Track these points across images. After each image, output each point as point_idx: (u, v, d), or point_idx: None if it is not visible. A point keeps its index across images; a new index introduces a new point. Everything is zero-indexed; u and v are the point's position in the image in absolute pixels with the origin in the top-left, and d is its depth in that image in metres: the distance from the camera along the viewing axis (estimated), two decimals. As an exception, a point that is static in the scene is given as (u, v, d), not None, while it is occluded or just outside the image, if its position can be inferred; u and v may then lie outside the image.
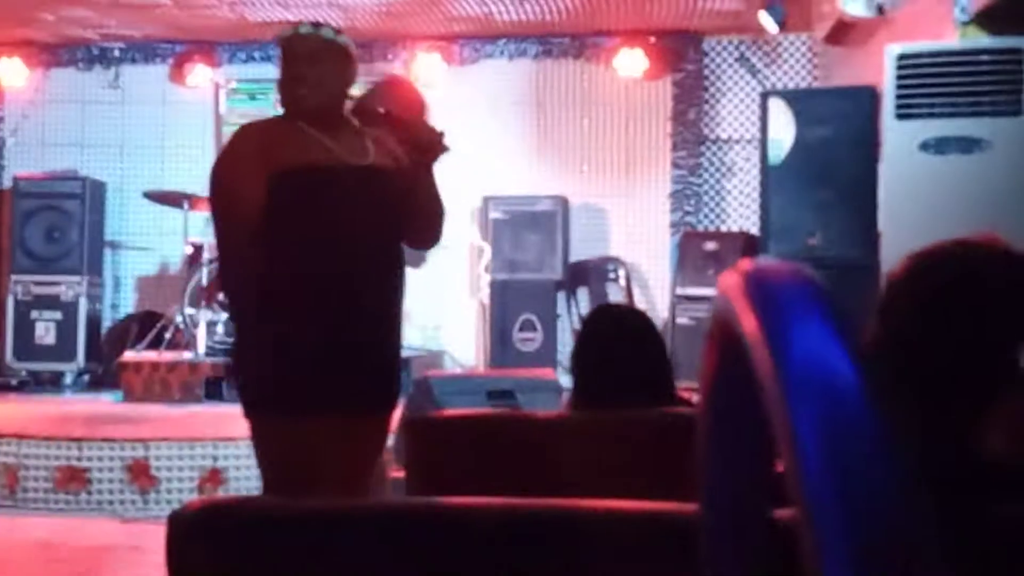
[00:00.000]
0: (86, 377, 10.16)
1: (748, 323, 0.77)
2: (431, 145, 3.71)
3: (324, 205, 3.58)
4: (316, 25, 3.76)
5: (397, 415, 4.02)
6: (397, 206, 3.70)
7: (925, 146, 5.53)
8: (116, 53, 11.13)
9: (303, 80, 3.66)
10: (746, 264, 0.82)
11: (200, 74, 10.85)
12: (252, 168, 3.53)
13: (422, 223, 3.84)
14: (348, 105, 3.92)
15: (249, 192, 3.52)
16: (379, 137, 3.80)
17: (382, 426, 3.85)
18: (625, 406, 3.01)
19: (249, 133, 3.70)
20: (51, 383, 9.98)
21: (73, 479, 6.84)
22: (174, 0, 9.50)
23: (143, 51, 11.10)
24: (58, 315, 9.99)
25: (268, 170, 3.52)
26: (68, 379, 10.01)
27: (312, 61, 3.67)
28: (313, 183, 3.57)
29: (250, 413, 3.62)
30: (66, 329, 9.97)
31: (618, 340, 3.24)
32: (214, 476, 6.77)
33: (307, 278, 3.56)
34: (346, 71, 3.78)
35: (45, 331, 9.98)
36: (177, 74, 10.99)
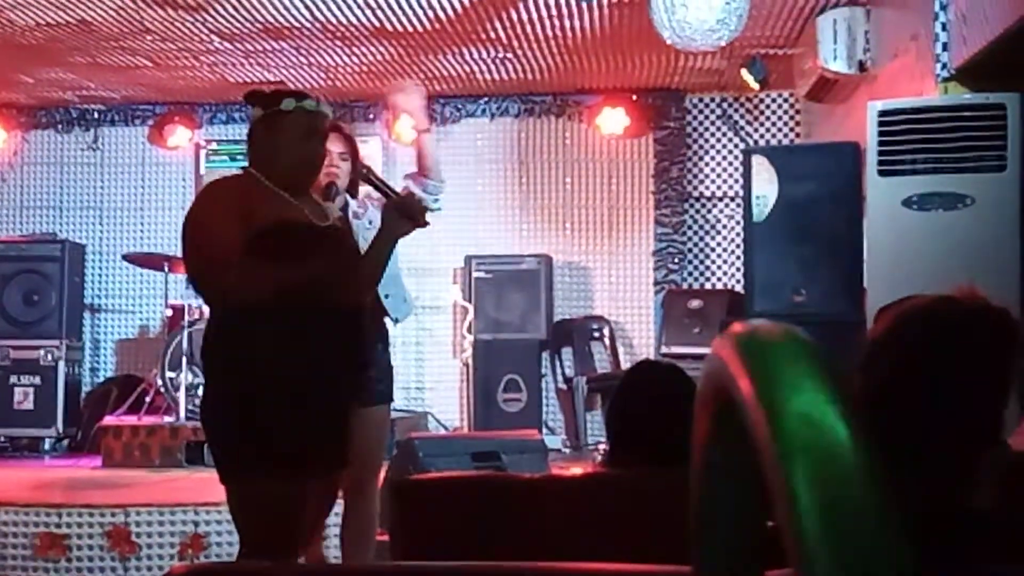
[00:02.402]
0: (65, 442, 10.07)
1: (743, 385, 0.77)
2: (407, 221, 3.96)
3: (302, 259, 3.65)
4: (300, 97, 3.87)
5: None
6: (353, 265, 3.88)
7: (908, 202, 5.53)
8: (95, 115, 11.14)
9: (276, 147, 3.80)
10: (739, 326, 0.83)
11: (180, 135, 10.85)
12: (231, 210, 3.62)
13: (365, 281, 4.01)
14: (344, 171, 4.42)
15: (228, 230, 3.59)
16: (327, 208, 3.99)
17: (332, 486, 3.98)
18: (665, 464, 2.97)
19: (226, 182, 3.87)
20: (30, 448, 9.89)
21: (53, 546, 6.75)
22: (154, 61, 9.50)
23: (122, 112, 11.11)
24: (37, 380, 9.91)
25: (246, 219, 3.60)
26: (47, 444, 9.92)
27: (280, 131, 3.81)
28: (292, 238, 3.66)
29: (223, 476, 3.69)
30: (45, 394, 9.88)
31: (660, 399, 3.19)
32: (196, 541, 6.69)
33: (280, 336, 3.62)
34: (311, 141, 3.87)
35: (24, 396, 9.89)
36: (157, 135, 10.98)
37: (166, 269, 9.53)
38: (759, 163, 7.09)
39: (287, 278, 3.60)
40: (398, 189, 4.64)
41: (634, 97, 10.47)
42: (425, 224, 4.03)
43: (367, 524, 4.96)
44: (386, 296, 4.81)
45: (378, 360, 4.85)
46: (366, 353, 3.93)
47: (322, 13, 8.23)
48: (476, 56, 9.38)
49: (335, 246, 3.78)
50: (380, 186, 4.32)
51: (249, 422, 3.59)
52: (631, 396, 3.29)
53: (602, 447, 8.78)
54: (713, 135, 10.64)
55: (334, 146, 4.57)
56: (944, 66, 5.84)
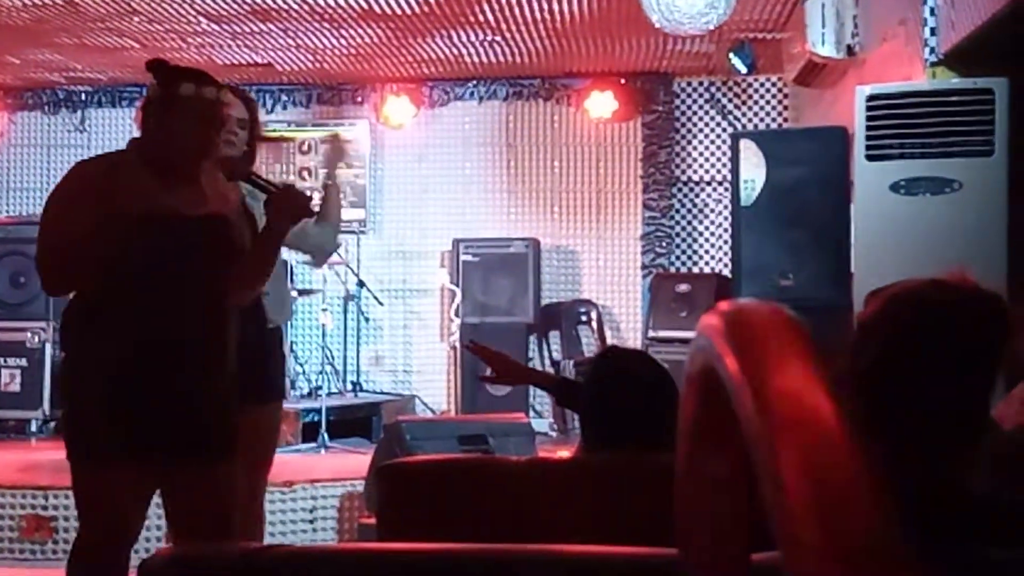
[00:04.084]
0: (52, 425, 10.03)
1: (729, 363, 0.77)
2: (289, 212, 3.83)
3: (148, 253, 3.62)
4: (201, 82, 3.80)
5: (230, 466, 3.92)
6: (224, 255, 3.77)
7: (896, 187, 5.52)
8: (82, 96, 11.11)
9: (167, 130, 3.73)
10: (725, 304, 0.83)
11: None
12: (83, 199, 3.61)
13: (243, 276, 3.89)
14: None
15: (68, 219, 3.63)
16: (221, 187, 3.89)
17: (210, 478, 3.79)
18: (636, 449, 2.97)
19: (90, 166, 3.81)
20: (16, 431, 9.85)
21: (39, 528, 6.75)
22: (141, 43, 9.47)
23: (109, 94, 11.08)
24: (23, 362, 9.87)
25: (103, 206, 3.57)
26: (33, 427, 9.88)
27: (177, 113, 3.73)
28: (145, 232, 3.61)
29: (68, 454, 3.73)
30: (31, 376, 9.85)
31: (627, 383, 3.19)
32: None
33: (128, 324, 3.62)
34: (206, 129, 3.78)
35: (10, 378, 9.86)
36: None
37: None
38: (747, 147, 7.09)
39: (115, 271, 3.59)
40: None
41: (622, 81, 10.46)
42: (311, 215, 3.97)
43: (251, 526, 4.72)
44: (265, 294, 4.45)
45: (262, 357, 4.57)
46: (225, 348, 3.81)
47: (310, -5, 8.21)
48: (464, 39, 9.36)
49: (199, 237, 3.70)
50: (258, 182, 4.06)
51: (84, 404, 3.64)
52: (600, 382, 3.29)
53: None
54: (701, 119, 10.64)
55: (233, 111, 4.38)
56: (932, 51, 5.83)
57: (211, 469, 3.77)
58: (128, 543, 3.79)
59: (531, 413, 9.58)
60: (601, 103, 10.45)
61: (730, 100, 10.54)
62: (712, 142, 10.57)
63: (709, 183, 10.57)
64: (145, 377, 3.61)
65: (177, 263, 3.65)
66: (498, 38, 9.33)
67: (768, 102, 10.46)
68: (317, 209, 4.13)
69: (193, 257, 3.69)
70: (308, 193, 4.05)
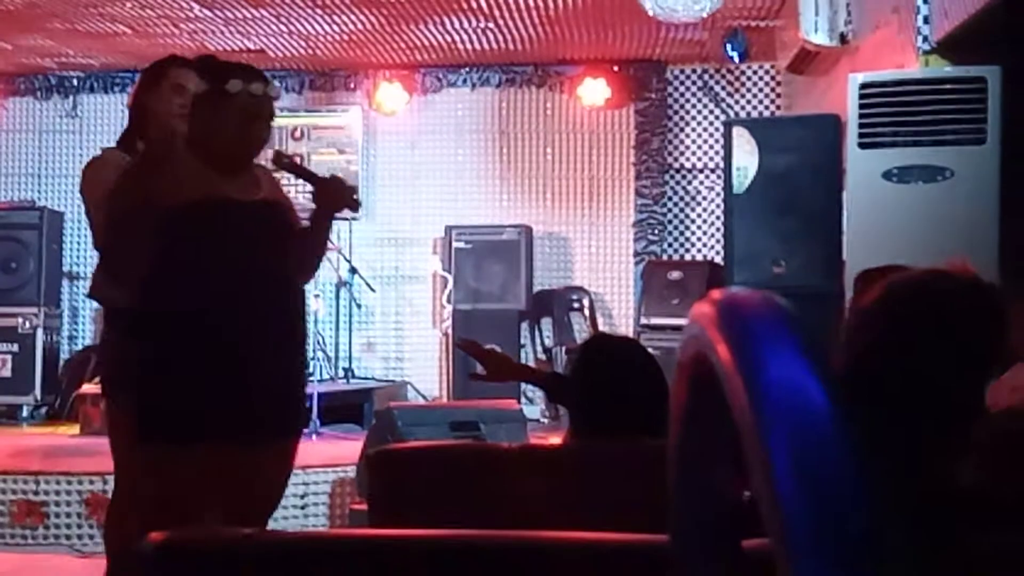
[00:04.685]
0: (43, 410, 10.04)
1: (721, 352, 0.77)
2: (338, 199, 3.90)
3: (212, 238, 3.64)
4: (249, 78, 3.77)
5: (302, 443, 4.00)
6: (284, 239, 3.79)
7: (888, 175, 5.53)
8: (74, 82, 11.07)
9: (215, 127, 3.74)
10: (717, 293, 0.83)
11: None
12: (139, 195, 3.61)
13: (303, 261, 3.94)
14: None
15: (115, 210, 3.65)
16: (270, 175, 3.94)
17: (283, 454, 3.85)
18: (625, 436, 2.97)
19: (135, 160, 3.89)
20: (8, 416, 9.85)
21: (30, 513, 6.75)
22: (133, 28, 9.44)
23: (102, 80, 11.04)
24: (15, 347, 9.87)
25: (158, 200, 3.57)
26: (25, 412, 9.88)
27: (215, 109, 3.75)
28: (202, 217, 3.63)
29: (136, 440, 3.67)
30: (23, 361, 9.85)
31: (616, 370, 3.20)
32: (174, 509, 6.68)
33: (193, 305, 3.61)
34: (253, 125, 3.79)
35: (2, 363, 9.85)
36: (136, 103, 10.90)
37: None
38: (740, 135, 7.09)
39: (180, 258, 3.60)
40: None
41: (615, 68, 10.44)
42: (355, 207, 3.98)
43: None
44: None
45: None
46: (297, 328, 3.85)
47: (303, -19, 8.20)
48: (457, 25, 9.35)
49: (254, 222, 3.72)
50: (300, 171, 4.11)
51: (164, 387, 3.61)
52: (588, 369, 3.29)
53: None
54: (694, 107, 10.63)
55: None
56: (925, 39, 5.83)
57: (278, 449, 3.81)
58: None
59: (523, 400, 9.58)
60: (594, 90, 10.44)
61: (723, 88, 10.53)
62: (705, 130, 10.56)
63: (702, 171, 10.57)
64: (222, 359, 3.61)
65: (241, 246, 3.67)
66: (491, 25, 9.32)
67: (761, 90, 10.45)
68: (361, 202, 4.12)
69: (256, 240, 3.70)
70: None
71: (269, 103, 3.79)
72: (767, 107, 10.43)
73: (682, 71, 10.62)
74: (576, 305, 10.35)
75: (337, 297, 10.27)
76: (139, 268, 3.63)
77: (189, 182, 3.64)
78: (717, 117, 10.36)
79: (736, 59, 9.14)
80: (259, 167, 3.90)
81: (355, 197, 3.97)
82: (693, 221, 10.60)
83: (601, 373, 3.21)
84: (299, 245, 3.86)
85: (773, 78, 10.35)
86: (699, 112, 10.61)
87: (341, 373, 10.25)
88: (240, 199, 3.70)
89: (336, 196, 3.91)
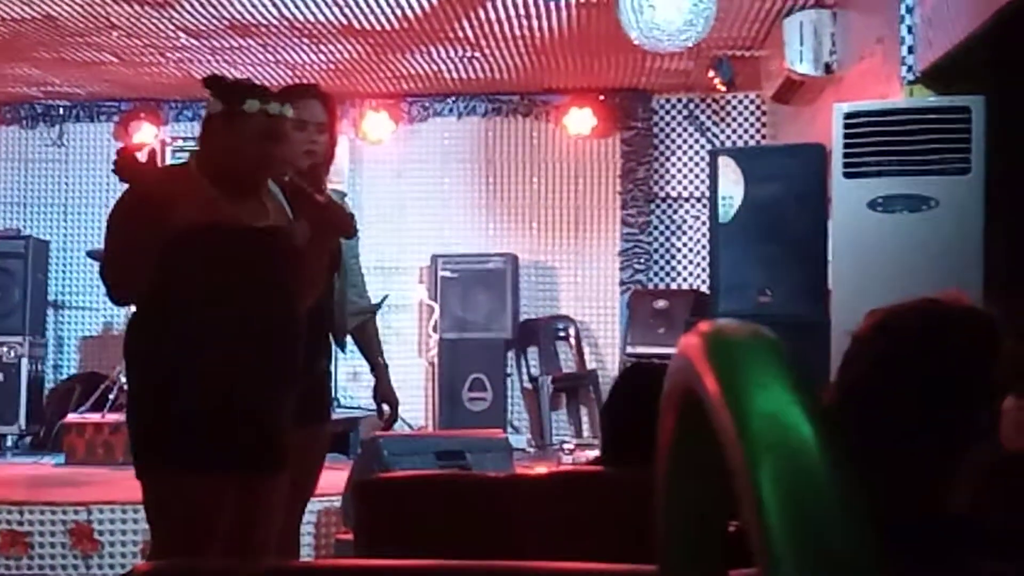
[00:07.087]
0: (28, 440, 9.99)
1: (709, 384, 0.77)
2: (336, 226, 3.90)
3: (219, 264, 3.61)
4: (264, 99, 3.73)
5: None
6: (289, 266, 3.76)
7: (873, 204, 5.55)
8: (60, 111, 11.06)
9: (230, 148, 3.70)
10: (705, 325, 0.83)
11: (145, 132, 10.75)
12: (142, 212, 3.57)
13: (302, 285, 3.86)
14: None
15: (127, 231, 3.60)
16: (278, 199, 3.88)
17: (277, 486, 3.80)
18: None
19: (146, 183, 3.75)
20: (-8, 446, 9.82)
21: (14, 544, 6.71)
22: (119, 58, 9.45)
23: (88, 109, 11.03)
24: (-1, 376, 9.85)
25: (162, 220, 3.54)
26: (9, 442, 9.84)
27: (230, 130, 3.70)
28: (210, 241, 3.60)
29: (140, 469, 3.65)
30: (7, 391, 9.81)
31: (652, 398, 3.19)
32: (158, 540, 6.65)
33: (197, 333, 3.57)
34: (268, 145, 3.73)
35: (-14, 393, 9.82)
36: (122, 132, 10.88)
37: (130, 266, 9.45)
38: (725, 164, 7.11)
39: (182, 280, 3.58)
40: None
41: (601, 97, 10.47)
42: (351, 235, 3.99)
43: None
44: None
45: (316, 374, 4.45)
46: (297, 359, 3.78)
47: (289, 10, 8.20)
48: (444, 55, 9.37)
49: (263, 248, 3.69)
50: (306, 197, 3.93)
51: (159, 416, 3.58)
52: (622, 399, 3.30)
53: (567, 446, 8.79)
54: (680, 136, 10.66)
55: (310, 114, 4.23)
56: (910, 69, 5.86)
57: (277, 481, 3.76)
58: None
59: (508, 429, 9.58)
60: (580, 119, 10.46)
61: (709, 117, 10.57)
62: (690, 159, 10.59)
63: (687, 199, 10.59)
64: (222, 385, 3.56)
65: (244, 272, 3.63)
66: (477, 54, 9.35)
67: (746, 119, 10.49)
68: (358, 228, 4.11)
69: (260, 266, 3.67)
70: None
71: (283, 123, 3.75)
72: (752, 136, 10.47)
73: (668, 100, 10.65)
74: (562, 334, 10.36)
75: (323, 326, 10.24)
76: (138, 283, 3.61)
77: (198, 204, 3.61)
78: (703, 146, 10.39)
79: (724, 85, 9.15)
80: (265, 192, 3.85)
81: (352, 224, 3.95)
82: (679, 250, 10.62)
83: (634, 402, 3.21)
84: (299, 271, 3.82)
85: (758, 107, 10.38)
86: (685, 141, 10.63)
87: (327, 402, 10.22)
88: (247, 225, 3.66)
89: (336, 221, 3.89)
